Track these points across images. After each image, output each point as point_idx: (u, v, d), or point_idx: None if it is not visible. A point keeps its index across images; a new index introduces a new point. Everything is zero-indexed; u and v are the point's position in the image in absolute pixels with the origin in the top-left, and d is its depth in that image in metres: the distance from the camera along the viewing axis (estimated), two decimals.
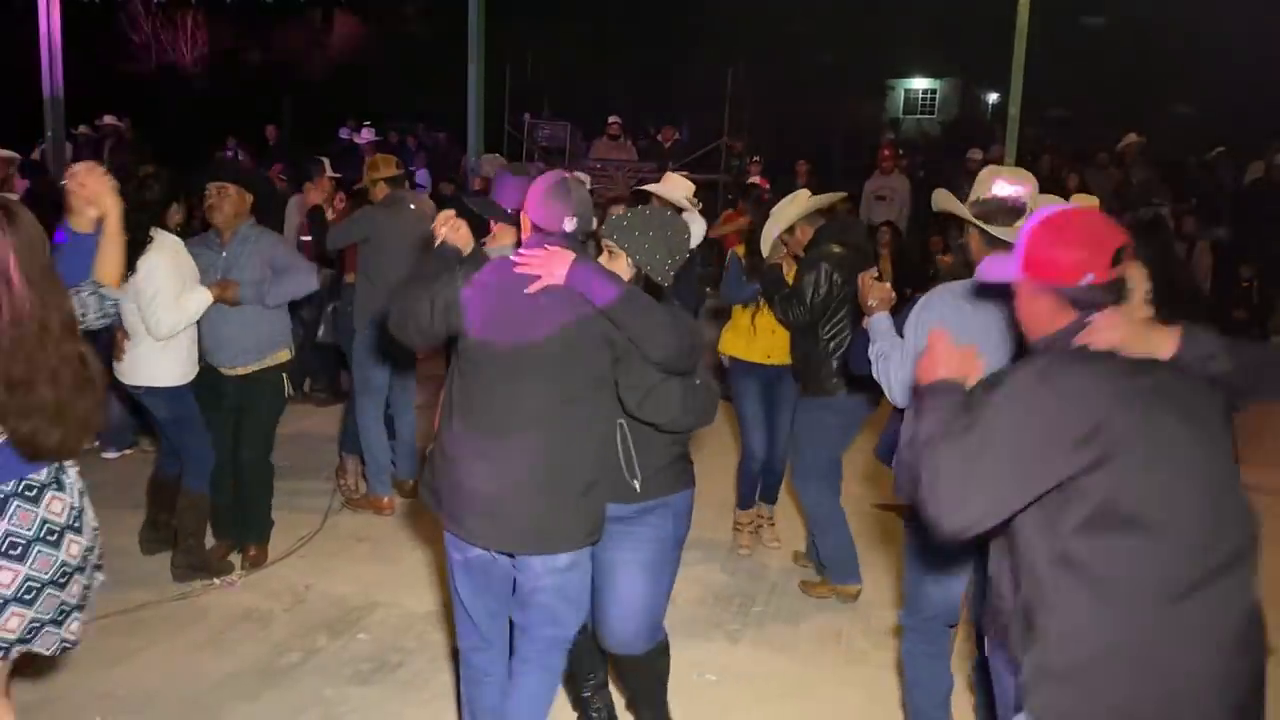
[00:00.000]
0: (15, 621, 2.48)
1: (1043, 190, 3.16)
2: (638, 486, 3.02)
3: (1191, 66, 15.57)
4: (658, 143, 14.24)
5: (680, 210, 5.17)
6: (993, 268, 2.23)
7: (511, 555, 2.89)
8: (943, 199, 3.25)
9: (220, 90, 19.89)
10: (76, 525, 2.58)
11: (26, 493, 2.48)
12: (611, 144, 13.28)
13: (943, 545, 2.23)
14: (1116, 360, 2.00)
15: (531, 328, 2.76)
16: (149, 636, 4.16)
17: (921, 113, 25.86)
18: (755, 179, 9.58)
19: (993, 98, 23.61)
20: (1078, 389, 1.92)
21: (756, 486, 5.24)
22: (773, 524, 5.36)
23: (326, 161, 7.34)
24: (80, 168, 2.91)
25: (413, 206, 5.65)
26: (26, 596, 2.48)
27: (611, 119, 13.63)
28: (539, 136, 13.98)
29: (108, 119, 13.54)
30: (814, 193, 4.78)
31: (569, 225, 2.88)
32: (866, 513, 5.55)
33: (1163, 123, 14.21)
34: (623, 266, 2.93)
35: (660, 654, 3.35)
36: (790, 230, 4.63)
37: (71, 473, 2.61)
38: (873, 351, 3.24)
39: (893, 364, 3.14)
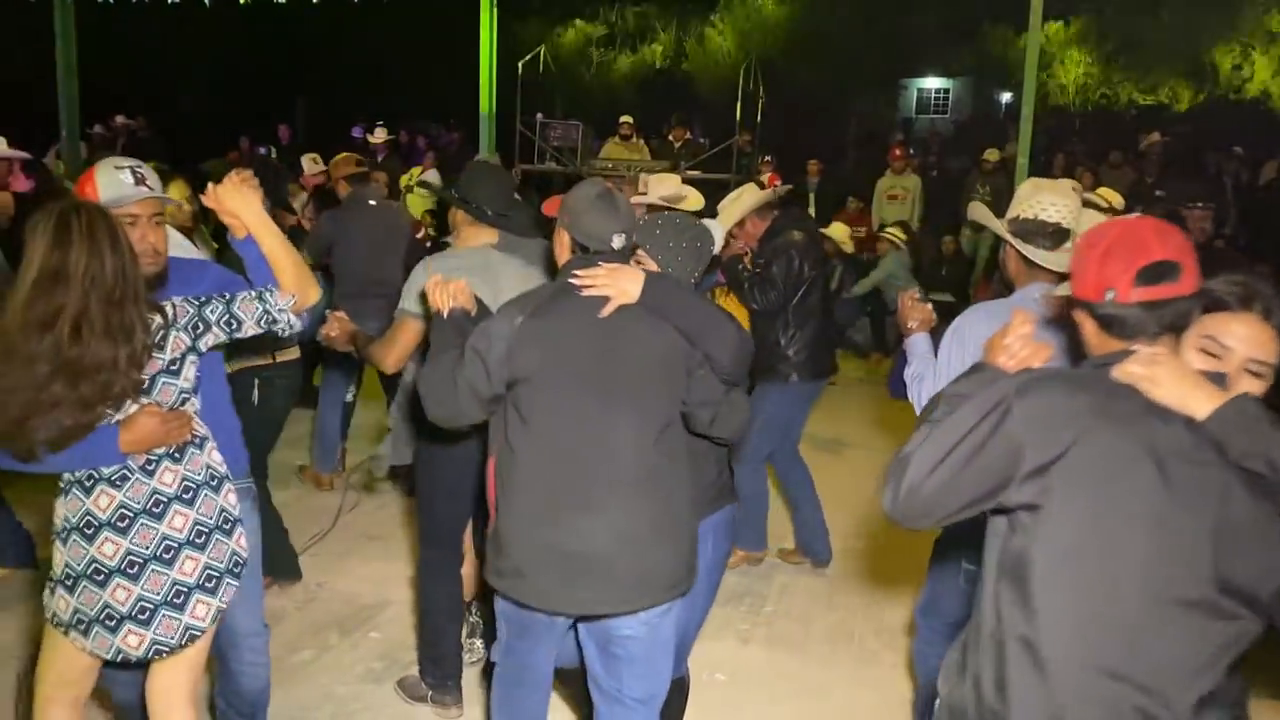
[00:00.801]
0: (202, 609, 2.54)
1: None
2: None
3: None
4: (669, 143, 14.24)
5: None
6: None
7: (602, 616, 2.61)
8: (980, 213, 3.19)
9: (234, 90, 19.96)
10: (240, 518, 2.65)
11: (211, 482, 2.57)
12: (623, 144, 13.28)
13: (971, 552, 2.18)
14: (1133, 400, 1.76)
15: (616, 355, 2.54)
16: None
17: (934, 112, 25.80)
18: (764, 178, 9.57)
19: (1005, 97, 23.53)
20: (1042, 415, 1.76)
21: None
22: None
23: (311, 159, 7.44)
24: (213, 187, 2.69)
25: (373, 203, 5.75)
26: (208, 585, 2.54)
27: (623, 119, 13.62)
28: (550, 136, 13.97)
29: (120, 119, 13.63)
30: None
31: (618, 242, 2.64)
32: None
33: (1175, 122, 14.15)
34: None
35: (677, 693, 3.09)
36: (741, 224, 4.77)
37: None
38: (908, 373, 3.10)
39: (925, 386, 2.99)
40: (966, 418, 1.80)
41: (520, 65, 13.84)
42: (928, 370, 3.01)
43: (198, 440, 2.57)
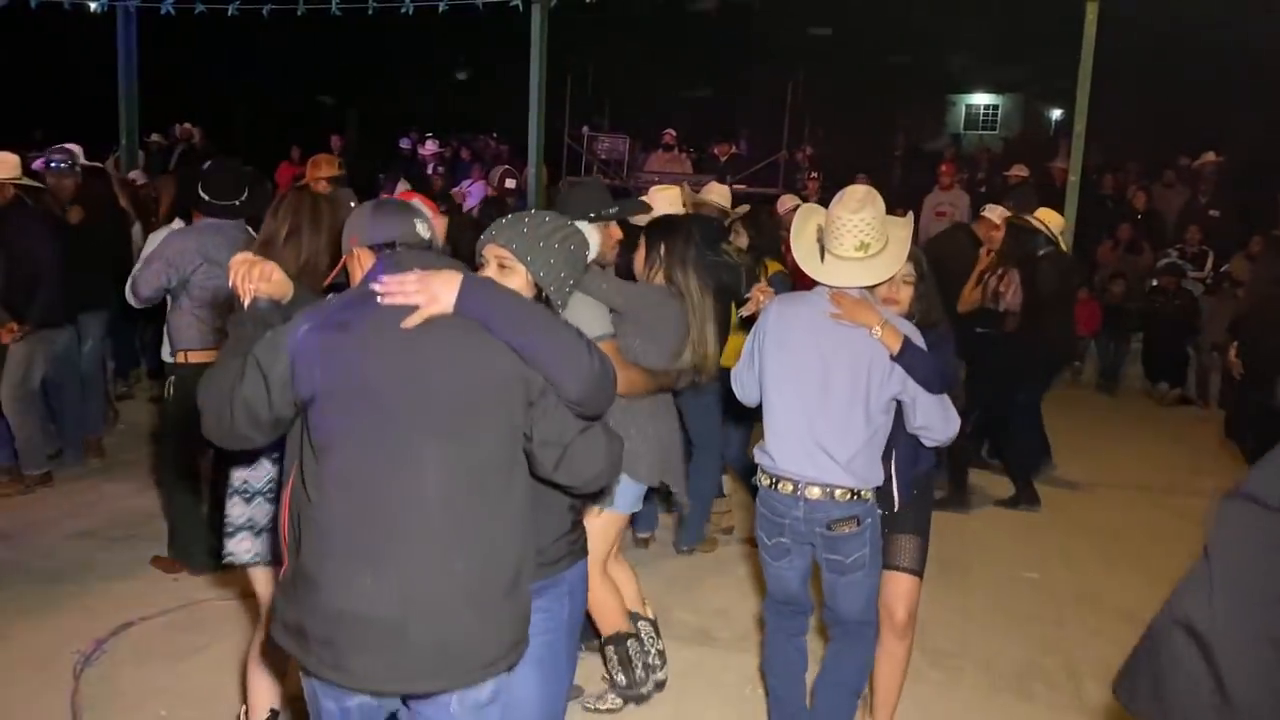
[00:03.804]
0: None
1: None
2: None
3: (1269, 80, 15.25)
4: (714, 155, 14.26)
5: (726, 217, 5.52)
6: None
7: (411, 697, 2.14)
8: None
9: (288, 100, 20.28)
10: None
11: None
12: (666, 156, 13.33)
13: None
14: None
15: (420, 376, 2.06)
16: (213, 633, 4.24)
17: (983, 128, 25.59)
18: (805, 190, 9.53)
19: (1056, 114, 23.28)
20: None
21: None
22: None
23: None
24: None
25: (352, 204, 5.84)
26: None
27: (665, 130, 13.68)
28: (598, 149, 14.06)
29: (182, 127, 13.90)
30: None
31: (422, 229, 2.32)
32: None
33: (1238, 141, 13.89)
34: (522, 285, 2.35)
35: None
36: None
37: None
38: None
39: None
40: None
41: (569, 77, 13.93)
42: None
43: None
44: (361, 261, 2.30)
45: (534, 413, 2.13)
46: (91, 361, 6.46)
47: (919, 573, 3.40)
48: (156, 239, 5.09)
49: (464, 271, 2.16)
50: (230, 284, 2.32)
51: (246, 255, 2.37)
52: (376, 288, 2.09)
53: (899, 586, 3.37)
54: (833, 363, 3.11)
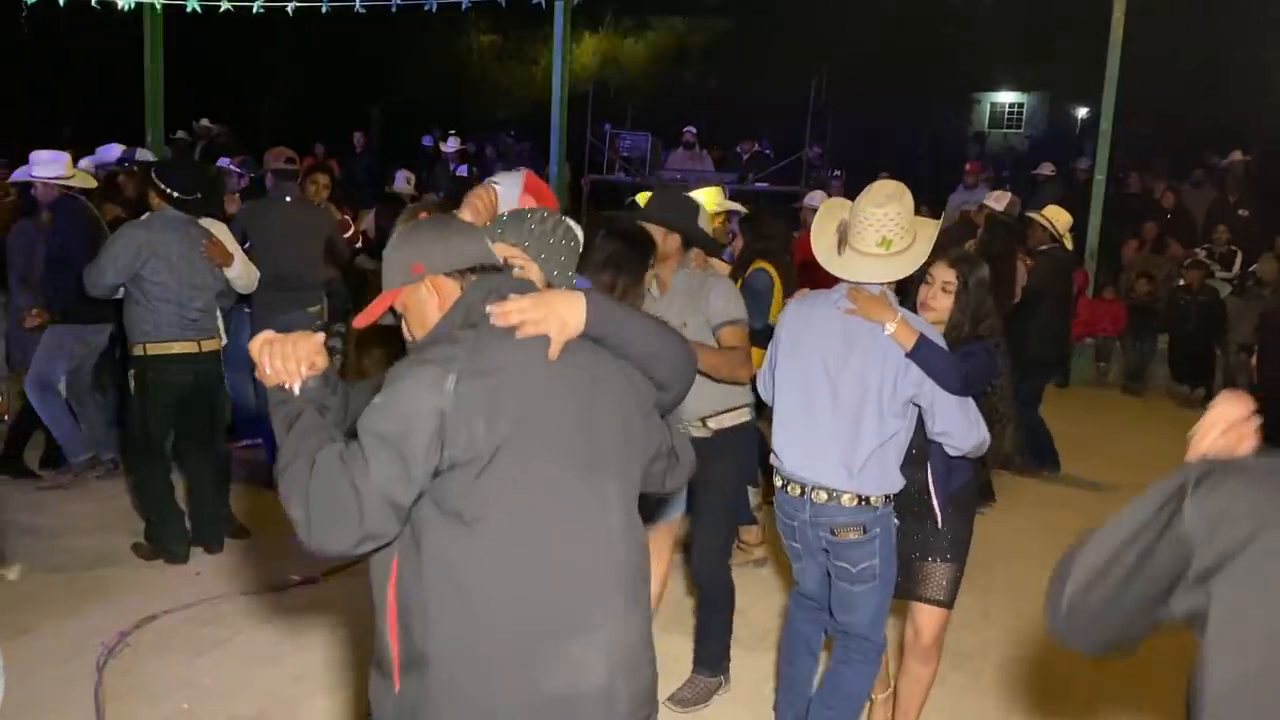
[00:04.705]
0: None
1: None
2: None
3: None
4: (736, 154, 14.22)
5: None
6: None
7: None
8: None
9: (312, 97, 20.39)
10: None
11: None
12: (687, 154, 13.30)
13: None
14: None
15: (595, 409, 1.89)
16: (234, 627, 4.27)
17: (1008, 127, 25.41)
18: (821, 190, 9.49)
19: (1082, 112, 23.08)
20: None
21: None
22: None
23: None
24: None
25: (288, 199, 5.95)
26: None
27: (686, 128, 13.65)
28: (620, 147, 14.05)
29: (203, 123, 14.00)
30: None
31: (492, 250, 2.10)
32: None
33: (1268, 139, 13.72)
34: (538, 283, 2.22)
35: None
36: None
37: None
38: None
39: None
40: (1132, 514, 1.54)
41: (591, 75, 13.94)
42: None
43: None
44: (441, 291, 1.95)
45: (649, 425, 2.01)
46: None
47: (948, 604, 3.29)
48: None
49: (575, 289, 2.02)
50: (263, 373, 1.93)
51: (268, 335, 1.96)
52: (497, 321, 1.85)
53: (928, 618, 3.29)
54: (844, 363, 3.04)
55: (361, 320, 2.07)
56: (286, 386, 1.90)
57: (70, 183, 5.71)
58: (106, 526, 5.28)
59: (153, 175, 4.89)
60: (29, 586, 4.57)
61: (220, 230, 5.15)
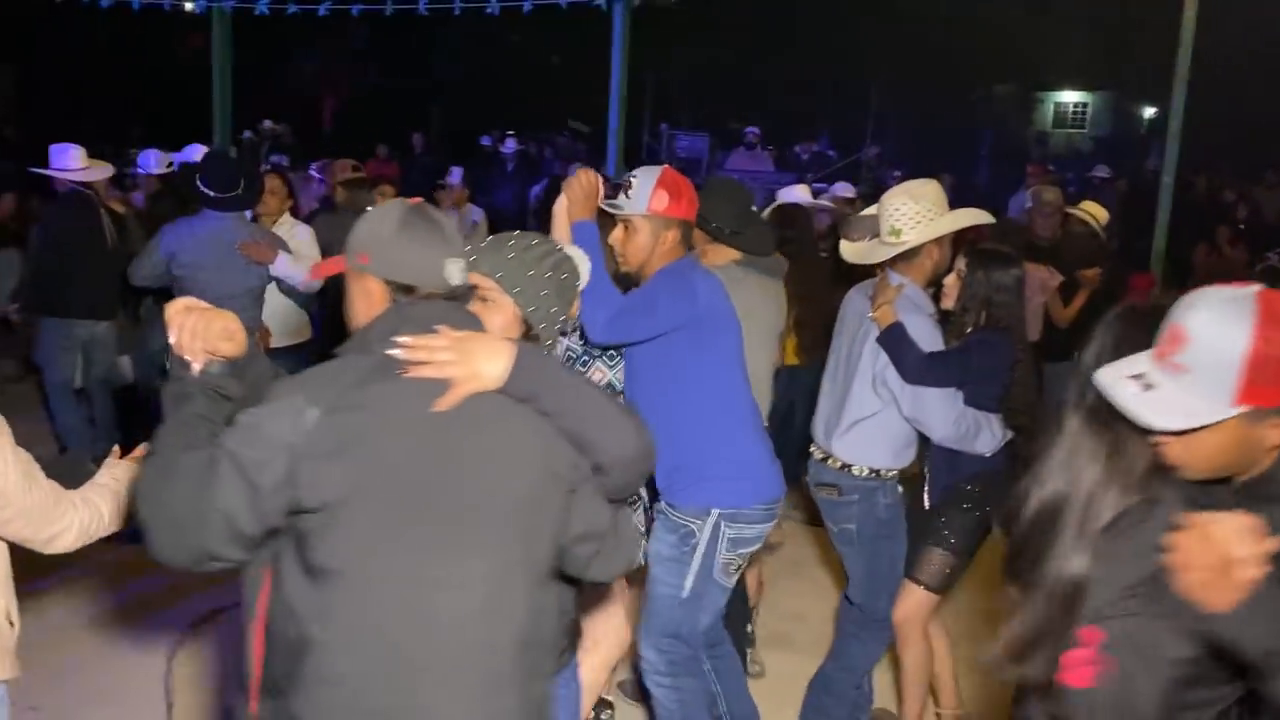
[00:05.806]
0: None
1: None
2: None
3: None
4: (795, 154, 14.15)
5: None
6: None
7: None
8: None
9: (373, 97, 20.67)
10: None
11: None
12: (748, 155, 13.27)
13: None
14: None
15: (466, 471, 1.67)
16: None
17: (1072, 126, 24.95)
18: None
19: (1148, 113, 22.60)
20: None
21: None
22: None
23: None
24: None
25: (369, 210, 5.91)
26: None
27: (749, 129, 13.61)
28: (677, 147, 14.05)
29: (268, 124, 14.28)
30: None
31: (455, 274, 1.79)
32: None
33: None
34: (507, 321, 2.04)
35: None
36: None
37: None
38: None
39: None
40: None
41: (649, 77, 13.95)
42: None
43: None
44: (372, 297, 1.78)
45: (574, 503, 1.77)
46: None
47: (931, 587, 3.35)
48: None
49: (506, 340, 1.76)
50: (171, 341, 1.73)
51: (190, 302, 1.76)
52: (398, 354, 1.65)
53: (905, 594, 3.40)
54: (856, 338, 3.35)
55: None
56: (185, 362, 1.73)
57: (75, 176, 5.72)
58: None
59: (194, 177, 4.91)
60: (99, 580, 4.67)
61: (304, 233, 5.28)
